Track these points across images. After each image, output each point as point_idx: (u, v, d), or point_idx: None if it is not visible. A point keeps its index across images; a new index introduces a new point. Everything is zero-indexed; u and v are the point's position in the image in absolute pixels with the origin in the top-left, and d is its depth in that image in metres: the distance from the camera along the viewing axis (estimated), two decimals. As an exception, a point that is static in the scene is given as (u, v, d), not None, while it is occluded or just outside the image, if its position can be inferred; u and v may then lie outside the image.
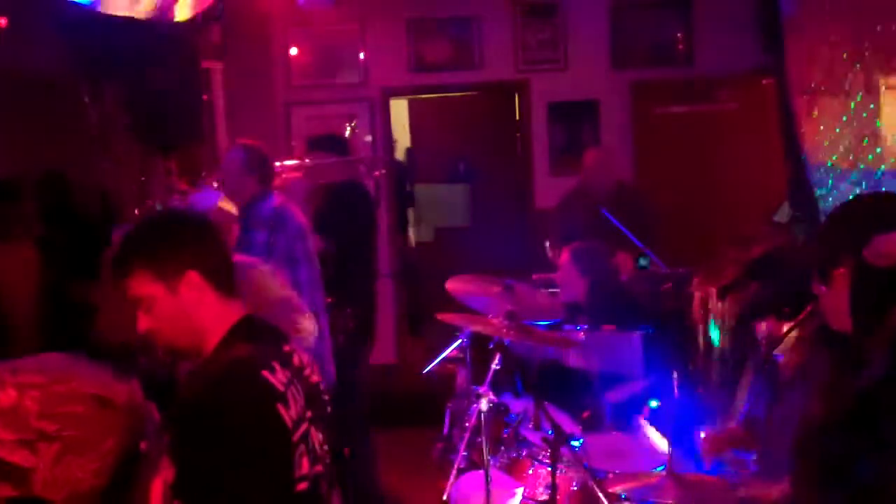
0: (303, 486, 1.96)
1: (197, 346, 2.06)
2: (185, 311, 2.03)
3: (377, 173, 5.26)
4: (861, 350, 2.05)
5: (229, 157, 4.50)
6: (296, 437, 1.96)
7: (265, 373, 1.96)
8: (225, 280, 2.08)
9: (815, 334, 2.99)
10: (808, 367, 2.98)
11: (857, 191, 3.84)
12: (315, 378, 2.14)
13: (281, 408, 1.94)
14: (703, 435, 3.51)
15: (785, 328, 3.18)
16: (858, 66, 3.77)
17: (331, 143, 5.15)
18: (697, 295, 5.18)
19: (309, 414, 2.03)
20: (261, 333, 2.10)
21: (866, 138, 3.73)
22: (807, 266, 2.31)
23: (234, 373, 1.96)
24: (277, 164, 4.70)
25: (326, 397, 2.18)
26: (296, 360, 2.09)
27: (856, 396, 2.01)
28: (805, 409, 2.23)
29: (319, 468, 2.04)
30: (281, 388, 1.97)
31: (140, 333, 2.07)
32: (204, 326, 2.05)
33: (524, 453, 3.68)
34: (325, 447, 2.08)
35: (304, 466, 1.97)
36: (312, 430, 2.03)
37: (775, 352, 3.17)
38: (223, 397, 1.90)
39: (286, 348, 2.10)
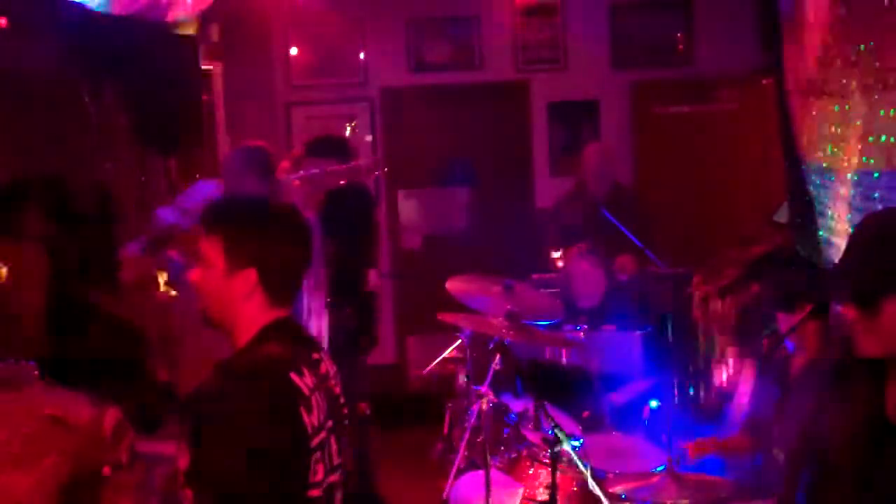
0: (315, 492, 1.97)
1: (226, 328, 2.07)
2: (230, 297, 2.04)
3: (377, 173, 5.23)
4: None
5: (229, 158, 4.51)
6: (314, 442, 1.96)
7: (293, 374, 1.97)
8: (280, 294, 2.08)
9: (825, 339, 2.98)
10: (817, 366, 2.98)
11: (854, 192, 3.83)
12: (338, 390, 2.14)
13: (303, 411, 1.95)
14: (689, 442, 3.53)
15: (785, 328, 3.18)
16: (855, 66, 3.77)
17: (330, 147, 5.05)
18: (697, 295, 5.18)
19: (329, 424, 2.03)
20: (293, 336, 2.10)
21: (862, 139, 3.73)
22: (836, 287, 2.16)
23: (262, 369, 1.97)
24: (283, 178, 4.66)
25: (346, 411, 2.18)
26: (323, 368, 2.10)
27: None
28: (832, 418, 2.14)
29: (333, 478, 2.04)
30: (306, 391, 1.97)
31: (189, 281, 2.09)
32: (239, 318, 2.05)
33: (524, 453, 3.68)
34: (340, 459, 2.08)
35: (319, 473, 1.98)
36: (331, 439, 2.03)
37: (786, 342, 3.16)
38: (248, 392, 1.91)
39: (315, 355, 2.10)
